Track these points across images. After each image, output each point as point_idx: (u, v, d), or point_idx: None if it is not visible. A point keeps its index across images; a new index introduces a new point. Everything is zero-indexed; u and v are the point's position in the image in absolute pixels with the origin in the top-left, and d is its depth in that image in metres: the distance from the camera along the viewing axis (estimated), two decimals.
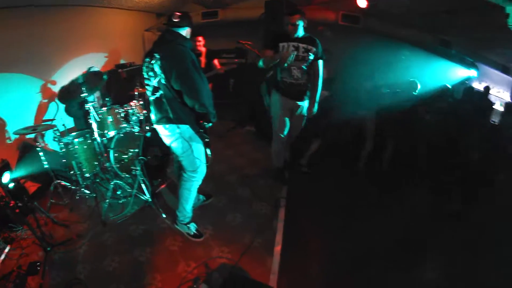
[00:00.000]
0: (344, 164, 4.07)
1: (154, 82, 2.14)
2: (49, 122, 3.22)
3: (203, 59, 3.97)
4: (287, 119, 3.16)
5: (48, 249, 2.27)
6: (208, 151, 2.43)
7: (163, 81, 2.09)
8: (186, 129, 2.22)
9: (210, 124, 2.31)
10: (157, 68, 2.08)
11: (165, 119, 2.20)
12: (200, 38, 3.81)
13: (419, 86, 3.89)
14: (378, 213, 3.12)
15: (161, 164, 3.25)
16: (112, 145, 2.99)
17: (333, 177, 3.78)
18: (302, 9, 3.05)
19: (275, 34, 3.03)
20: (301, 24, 2.81)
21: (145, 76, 2.19)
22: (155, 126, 2.32)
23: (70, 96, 3.14)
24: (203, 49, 3.97)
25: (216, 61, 4.08)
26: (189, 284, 2.10)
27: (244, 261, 2.31)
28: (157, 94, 2.17)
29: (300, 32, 2.86)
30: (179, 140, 2.25)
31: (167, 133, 2.27)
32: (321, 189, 3.49)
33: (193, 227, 2.54)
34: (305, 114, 3.16)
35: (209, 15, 5.46)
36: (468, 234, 2.83)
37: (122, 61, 4.99)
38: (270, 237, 2.57)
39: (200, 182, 2.47)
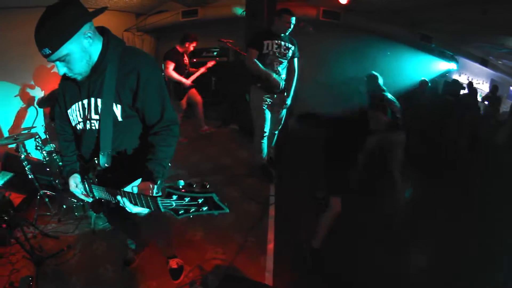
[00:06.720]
0: None
1: None
2: (29, 130, 3.13)
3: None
4: (268, 114, 3.23)
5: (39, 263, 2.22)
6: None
7: None
8: None
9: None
10: None
11: None
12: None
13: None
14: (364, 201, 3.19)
15: None
16: None
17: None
18: (284, 6, 3.16)
19: (259, 32, 3.10)
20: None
21: None
22: None
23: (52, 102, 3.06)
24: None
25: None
26: None
27: (238, 261, 2.34)
28: None
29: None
30: None
31: None
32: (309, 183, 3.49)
33: None
34: (281, 106, 3.24)
35: (189, 13, 5.41)
36: None
37: None
38: (262, 235, 2.62)
39: None
